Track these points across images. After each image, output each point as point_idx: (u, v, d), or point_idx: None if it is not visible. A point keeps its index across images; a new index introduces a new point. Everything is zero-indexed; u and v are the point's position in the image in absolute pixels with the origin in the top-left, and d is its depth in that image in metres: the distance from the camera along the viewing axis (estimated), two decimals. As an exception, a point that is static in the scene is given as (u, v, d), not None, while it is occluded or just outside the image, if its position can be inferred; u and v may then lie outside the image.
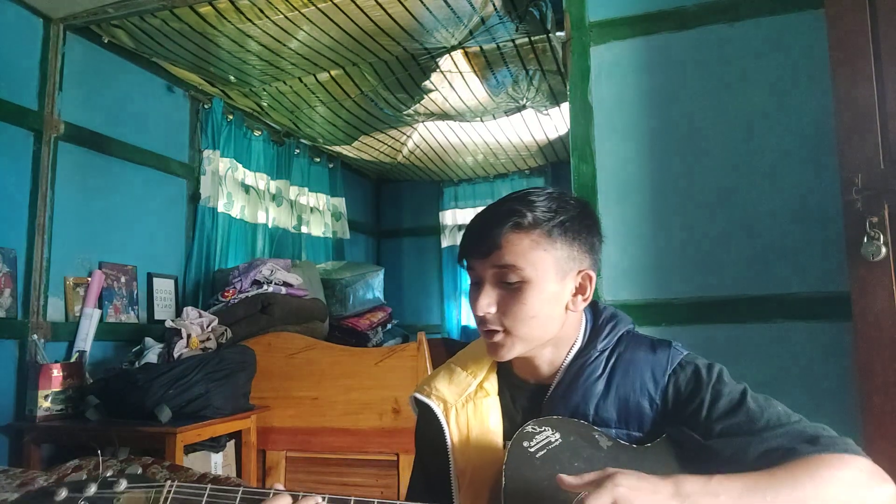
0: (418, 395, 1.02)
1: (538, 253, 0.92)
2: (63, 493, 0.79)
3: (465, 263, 0.98)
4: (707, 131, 1.80)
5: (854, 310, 1.36)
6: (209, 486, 0.82)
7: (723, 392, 0.89)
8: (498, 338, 0.94)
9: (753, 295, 1.71)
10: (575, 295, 0.96)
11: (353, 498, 0.80)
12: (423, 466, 1.06)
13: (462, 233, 1.01)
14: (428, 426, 1.01)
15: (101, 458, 1.98)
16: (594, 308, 1.04)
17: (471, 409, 0.98)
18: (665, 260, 1.80)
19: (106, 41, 2.74)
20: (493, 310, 0.93)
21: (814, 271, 1.66)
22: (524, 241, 0.92)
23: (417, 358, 2.52)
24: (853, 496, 0.76)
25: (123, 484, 0.80)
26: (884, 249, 1.31)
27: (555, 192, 0.98)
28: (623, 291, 1.83)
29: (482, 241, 0.93)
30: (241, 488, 0.82)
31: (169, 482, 0.81)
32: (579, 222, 0.96)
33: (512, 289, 0.92)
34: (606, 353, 0.97)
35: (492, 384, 1.02)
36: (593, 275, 0.98)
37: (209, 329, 2.64)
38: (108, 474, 0.82)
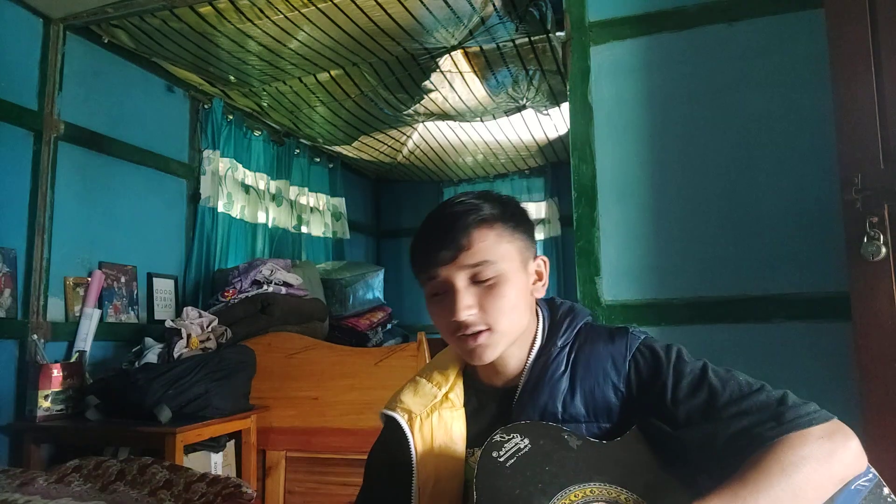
0: (384, 410, 1.02)
1: (504, 245, 0.94)
2: None
3: (423, 277, 0.96)
4: (707, 131, 1.80)
5: (854, 310, 1.36)
6: None
7: (684, 371, 0.89)
8: (482, 338, 0.92)
9: (753, 295, 1.71)
10: (535, 283, 0.99)
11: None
12: (376, 487, 1.04)
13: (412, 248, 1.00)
14: (390, 441, 1.00)
15: (101, 458, 1.98)
16: (551, 304, 1.04)
17: (435, 420, 0.98)
18: (665, 260, 1.80)
19: (106, 41, 2.74)
20: (475, 311, 0.92)
21: (814, 271, 1.66)
22: (490, 235, 0.93)
23: (417, 358, 2.52)
24: (822, 471, 0.77)
25: None
26: (884, 249, 1.31)
27: (483, 192, 1.00)
28: (623, 291, 1.83)
29: (446, 246, 0.92)
30: None
31: None
32: (521, 214, 0.99)
33: (488, 285, 0.92)
34: (567, 348, 0.97)
35: (457, 394, 1.01)
36: (546, 259, 1.02)
37: (209, 329, 2.64)
38: None
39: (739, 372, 0.89)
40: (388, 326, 3.54)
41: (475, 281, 0.92)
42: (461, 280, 0.92)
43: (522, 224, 0.98)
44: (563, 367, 0.95)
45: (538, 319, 1.01)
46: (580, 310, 1.02)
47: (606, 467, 0.86)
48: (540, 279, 1.00)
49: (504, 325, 0.93)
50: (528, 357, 0.98)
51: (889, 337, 1.31)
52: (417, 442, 0.96)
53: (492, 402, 1.00)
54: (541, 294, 1.00)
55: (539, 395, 0.93)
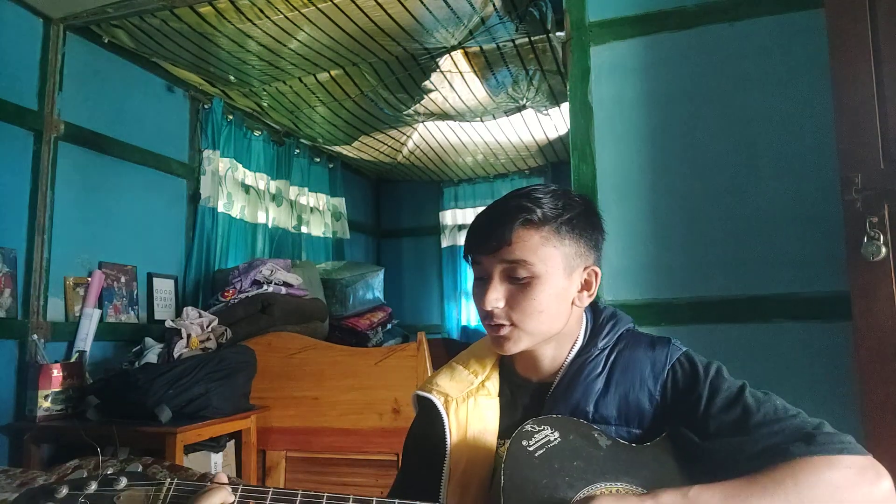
0: (420, 392, 1.03)
1: (548, 249, 0.93)
2: (64, 491, 0.80)
3: (469, 259, 0.99)
4: (707, 131, 1.80)
5: (854, 310, 1.36)
6: (209, 484, 0.83)
7: (720, 388, 0.89)
8: (505, 331, 0.94)
9: (753, 295, 1.71)
10: (581, 291, 0.98)
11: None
12: (410, 468, 1.06)
13: (466, 230, 1.02)
14: (425, 423, 1.01)
15: (101, 458, 1.98)
16: (594, 307, 1.05)
17: (471, 405, 0.99)
18: (665, 260, 1.80)
19: (106, 41, 2.74)
20: (501, 304, 0.93)
21: (814, 271, 1.66)
22: (534, 237, 0.93)
23: (417, 358, 2.52)
24: (840, 498, 0.75)
25: (124, 482, 0.81)
26: (884, 249, 1.31)
27: (559, 189, 0.99)
28: (623, 291, 1.83)
29: (491, 237, 0.94)
30: (241, 486, 0.83)
31: (169, 480, 0.82)
32: (585, 219, 0.97)
33: (521, 284, 0.93)
34: (607, 351, 0.97)
35: (493, 384, 1.02)
36: (599, 271, 0.99)
37: (209, 329, 2.64)
38: (108, 472, 0.83)
39: (777, 396, 0.88)
40: (388, 326, 3.54)
41: (510, 276, 0.93)
42: (496, 272, 0.94)
43: (581, 229, 0.96)
44: (600, 369, 0.95)
45: (582, 322, 1.02)
46: (623, 315, 1.03)
47: (634, 469, 0.86)
48: (587, 289, 0.98)
49: (528, 325, 0.93)
50: (567, 356, 0.99)
51: (889, 337, 1.31)
52: (453, 425, 0.97)
53: (525, 396, 1.01)
54: (585, 304, 0.99)
55: (573, 392, 0.94)
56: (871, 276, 1.33)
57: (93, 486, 0.80)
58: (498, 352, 0.99)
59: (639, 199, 1.84)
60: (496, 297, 0.93)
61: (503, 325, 0.94)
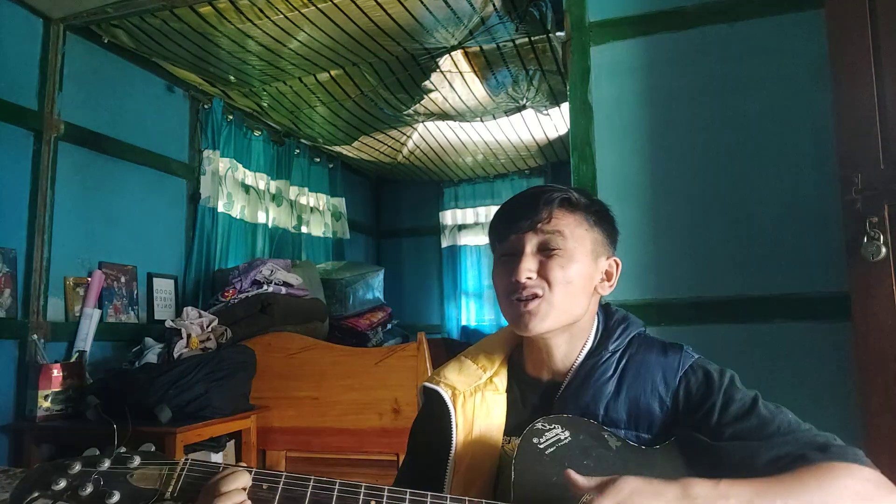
0: (427, 384, 1.04)
1: (580, 230, 0.98)
2: (77, 467, 0.80)
3: (497, 240, 1.01)
4: (707, 131, 1.80)
5: (854, 310, 1.36)
6: (223, 465, 0.83)
7: (734, 397, 0.90)
8: (533, 304, 0.95)
9: (753, 295, 1.71)
10: (603, 280, 1.01)
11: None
12: (415, 461, 1.06)
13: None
14: (432, 415, 1.02)
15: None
16: (606, 310, 1.06)
17: (478, 400, 1.00)
18: (665, 260, 1.80)
19: (106, 41, 2.74)
20: (534, 275, 0.95)
21: (814, 271, 1.66)
22: (569, 216, 0.98)
23: (417, 358, 2.52)
24: None
25: (137, 460, 0.82)
26: (884, 249, 1.31)
27: (578, 188, 1.05)
28: (623, 291, 1.82)
29: (529, 215, 0.97)
30: (255, 470, 0.84)
31: (184, 460, 0.82)
32: (607, 214, 1.03)
33: (553, 255, 0.96)
34: (618, 354, 0.98)
35: (501, 380, 1.03)
36: (619, 262, 1.03)
37: (209, 329, 2.64)
38: (122, 450, 0.83)
39: (788, 410, 0.90)
40: (388, 326, 3.54)
41: (543, 251, 0.96)
42: (530, 246, 0.97)
43: (605, 223, 1.02)
44: (611, 372, 0.96)
45: (594, 321, 1.03)
46: (634, 319, 1.04)
47: (644, 470, 0.86)
48: (608, 279, 1.02)
49: (557, 295, 0.94)
50: (578, 356, 0.99)
51: (889, 337, 1.31)
52: (459, 419, 0.98)
53: (534, 395, 1.01)
54: (605, 293, 1.02)
55: (583, 394, 0.95)
56: (871, 276, 1.33)
57: (106, 464, 0.81)
58: (520, 332, 0.98)
59: (639, 199, 1.84)
60: (531, 267, 0.95)
61: (531, 299, 0.95)
